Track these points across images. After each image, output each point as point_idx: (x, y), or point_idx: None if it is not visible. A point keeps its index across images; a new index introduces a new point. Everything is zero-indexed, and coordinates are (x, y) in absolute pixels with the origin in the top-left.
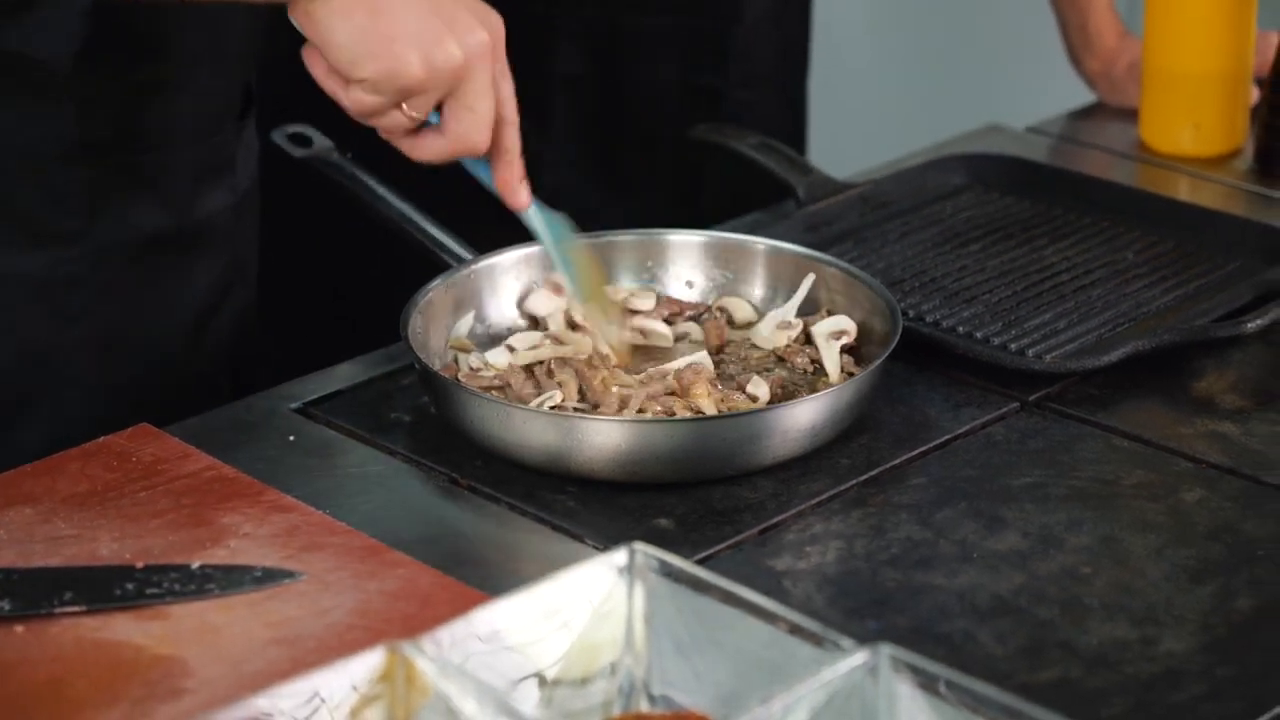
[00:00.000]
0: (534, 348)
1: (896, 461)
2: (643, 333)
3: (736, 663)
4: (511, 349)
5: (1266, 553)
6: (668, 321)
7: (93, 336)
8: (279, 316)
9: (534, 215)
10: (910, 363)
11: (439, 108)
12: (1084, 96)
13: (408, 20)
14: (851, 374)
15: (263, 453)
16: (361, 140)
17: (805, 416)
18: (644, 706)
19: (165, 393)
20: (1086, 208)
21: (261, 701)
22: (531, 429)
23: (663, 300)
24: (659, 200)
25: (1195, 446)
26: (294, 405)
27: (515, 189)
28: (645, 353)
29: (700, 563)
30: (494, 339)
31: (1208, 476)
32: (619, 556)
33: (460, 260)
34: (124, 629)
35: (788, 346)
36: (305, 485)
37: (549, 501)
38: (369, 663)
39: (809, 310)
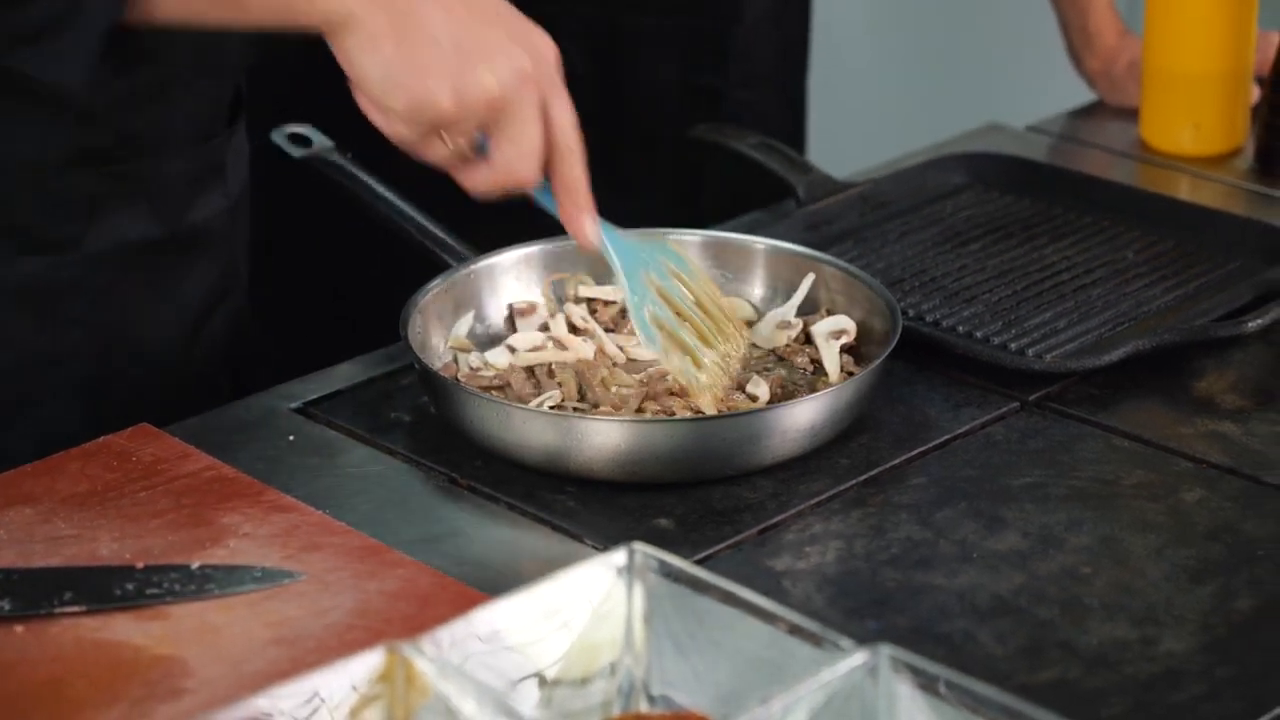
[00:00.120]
0: (535, 349)
1: (896, 461)
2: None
3: (736, 663)
4: (512, 349)
5: (1267, 553)
6: None
7: (88, 342)
8: (279, 316)
9: (605, 243)
10: (910, 362)
11: (489, 137)
12: (1084, 95)
13: (437, 49)
14: (851, 374)
15: (262, 452)
16: (361, 140)
17: (805, 416)
18: (643, 707)
19: (160, 396)
20: (1087, 207)
21: (261, 701)
22: (531, 429)
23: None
24: (659, 200)
25: (1195, 446)
26: (294, 405)
27: (577, 225)
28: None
29: (700, 563)
30: (494, 339)
31: (1208, 476)
32: (618, 556)
33: (460, 260)
34: (124, 629)
35: (787, 346)
36: (305, 485)
37: (549, 501)
38: (368, 663)
39: (809, 310)
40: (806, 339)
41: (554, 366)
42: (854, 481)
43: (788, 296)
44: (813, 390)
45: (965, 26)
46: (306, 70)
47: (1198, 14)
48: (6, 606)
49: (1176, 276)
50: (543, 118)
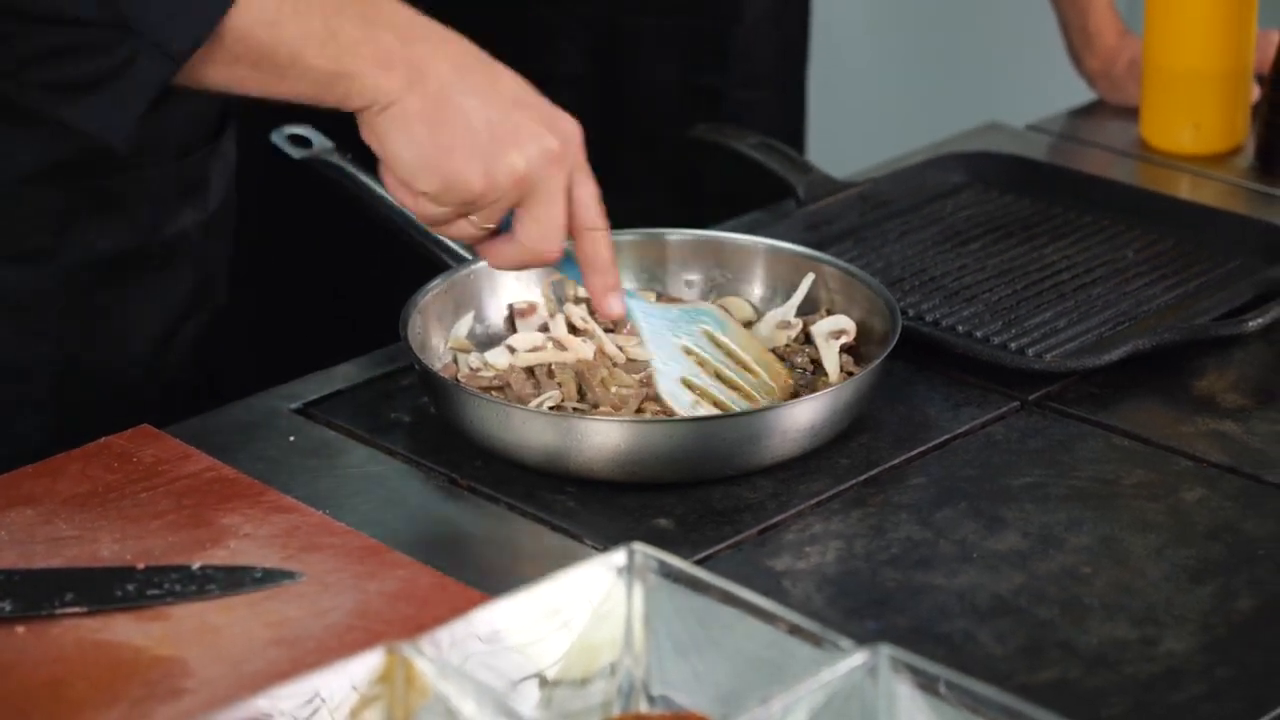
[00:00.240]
0: (535, 349)
1: (896, 461)
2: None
3: (736, 663)
4: (512, 349)
5: (1267, 552)
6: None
7: (60, 354)
8: (279, 316)
9: (636, 319)
10: (910, 362)
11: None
12: (1084, 95)
13: (468, 134)
14: (851, 373)
15: (263, 453)
16: (361, 142)
17: (805, 416)
18: (643, 707)
19: (128, 410)
20: (1087, 206)
21: (261, 702)
22: (531, 429)
23: (662, 300)
24: (659, 200)
25: (1196, 445)
26: (294, 406)
27: (603, 298)
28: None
29: (700, 563)
30: (493, 339)
31: (1208, 475)
32: (618, 557)
33: (460, 260)
34: (124, 630)
35: (787, 346)
36: (305, 486)
37: (548, 502)
38: (368, 663)
39: (808, 310)
40: (806, 339)
41: (554, 367)
42: (854, 481)
43: (787, 296)
44: (812, 390)
45: (965, 26)
46: None
47: (1198, 13)
48: (7, 607)
49: (1177, 275)
50: (567, 197)
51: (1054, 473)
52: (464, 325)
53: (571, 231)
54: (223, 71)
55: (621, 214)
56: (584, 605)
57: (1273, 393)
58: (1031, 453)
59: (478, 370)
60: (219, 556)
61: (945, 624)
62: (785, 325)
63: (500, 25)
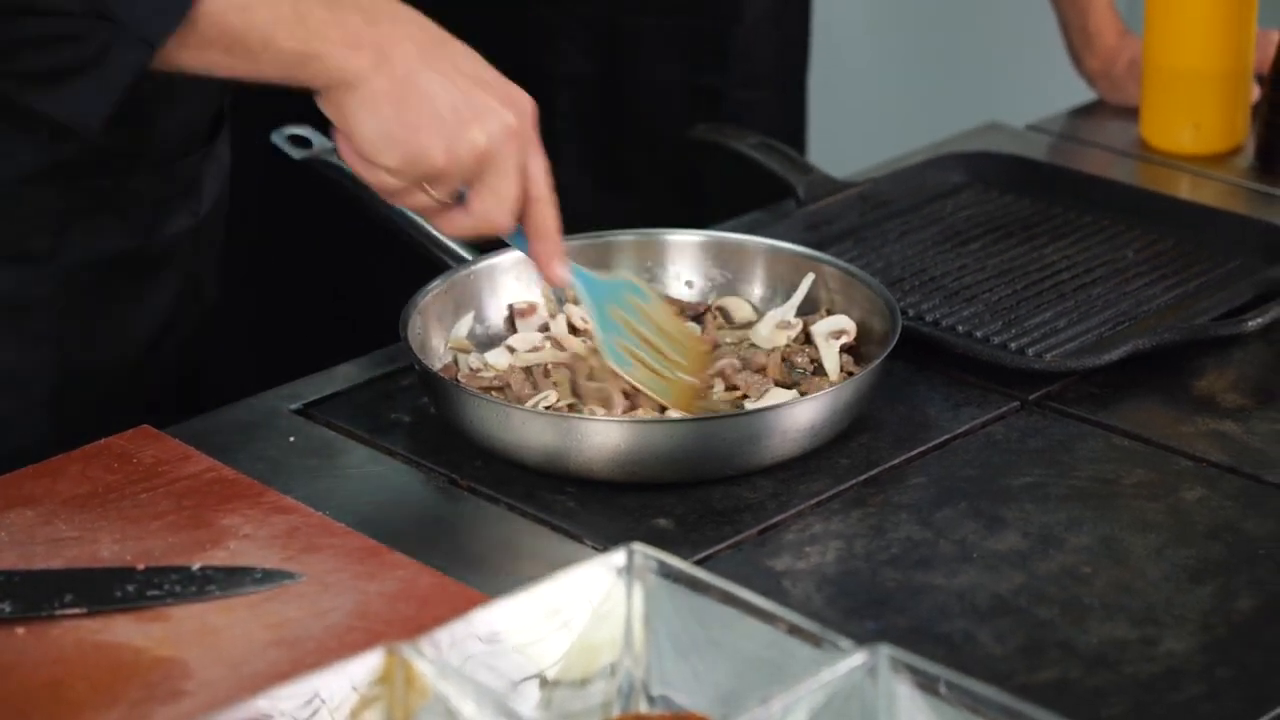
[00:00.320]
0: (534, 349)
1: (896, 461)
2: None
3: (735, 663)
4: (511, 349)
5: (1267, 552)
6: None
7: (54, 355)
8: (279, 317)
9: (577, 285)
10: (910, 362)
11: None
12: (1084, 95)
13: (433, 111)
14: (851, 373)
15: (263, 454)
16: None
17: (805, 416)
18: (643, 707)
19: (128, 409)
20: (1087, 206)
21: (261, 703)
22: (530, 429)
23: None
24: (661, 200)
25: (1196, 445)
26: (294, 406)
27: (549, 266)
28: None
29: (700, 563)
30: (493, 340)
31: (1208, 475)
32: (618, 557)
33: (460, 261)
34: (124, 630)
35: (787, 346)
36: (305, 486)
37: (548, 502)
38: (368, 664)
39: (808, 310)
40: (806, 339)
41: (549, 366)
42: (854, 481)
43: (788, 296)
44: (812, 390)
45: (965, 26)
46: None
47: (1198, 13)
48: (7, 608)
49: (1176, 275)
50: (521, 170)
51: (1054, 472)
52: (464, 325)
53: (521, 203)
54: (196, 56)
55: (622, 214)
56: (584, 606)
57: (1272, 392)
58: (1031, 452)
59: (478, 370)
60: (219, 557)
61: (945, 624)
62: (785, 325)
63: (500, 25)
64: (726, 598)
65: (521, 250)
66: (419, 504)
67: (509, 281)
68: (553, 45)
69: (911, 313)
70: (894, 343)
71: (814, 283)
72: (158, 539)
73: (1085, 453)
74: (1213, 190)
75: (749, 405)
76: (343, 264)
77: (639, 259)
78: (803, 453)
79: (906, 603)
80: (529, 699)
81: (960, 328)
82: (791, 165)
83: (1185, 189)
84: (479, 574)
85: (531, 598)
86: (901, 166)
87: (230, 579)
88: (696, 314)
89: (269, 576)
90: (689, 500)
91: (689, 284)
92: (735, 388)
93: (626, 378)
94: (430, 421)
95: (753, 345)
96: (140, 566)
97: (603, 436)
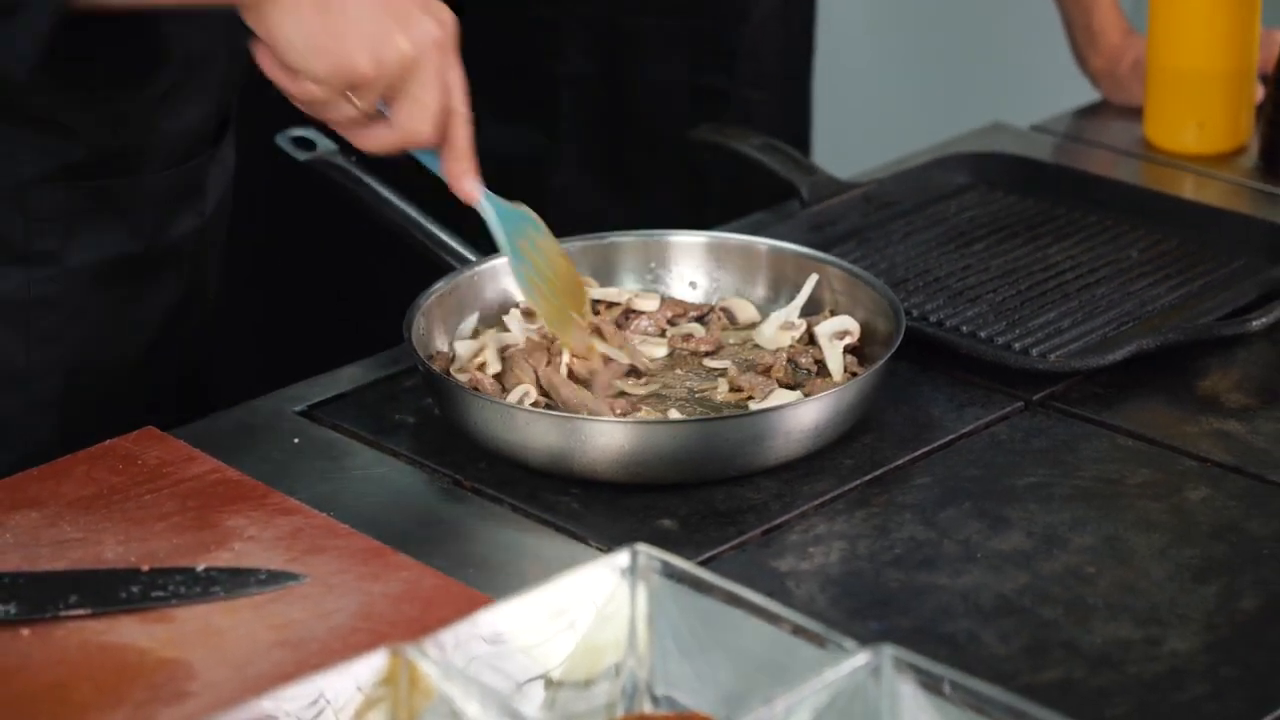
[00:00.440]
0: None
1: (900, 461)
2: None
3: (739, 663)
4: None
5: (1271, 552)
6: (671, 323)
7: (61, 358)
8: (283, 319)
9: (485, 207)
10: (914, 362)
11: (389, 99)
12: (1088, 95)
13: (357, 16)
14: (855, 374)
15: (267, 455)
16: None
17: (808, 417)
18: (647, 708)
19: (133, 410)
20: (1091, 206)
21: (266, 704)
22: (535, 430)
23: (665, 302)
24: (665, 200)
25: (1200, 445)
26: (298, 408)
27: (463, 181)
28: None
29: (704, 563)
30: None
31: (1212, 475)
32: (622, 558)
33: (463, 262)
34: (129, 632)
35: (791, 347)
36: (310, 488)
37: (552, 503)
38: (372, 665)
39: (812, 310)
40: (810, 340)
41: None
42: (858, 482)
43: (791, 297)
44: (816, 391)
45: (969, 26)
46: None
47: (1202, 13)
48: (12, 610)
49: (1181, 275)
50: (443, 81)
51: (1058, 473)
52: (467, 327)
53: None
54: None
55: (625, 215)
56: (588, 606)
57: (1276, 392)
58: (1035, 453)
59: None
60: (223, 559)
61: (949, 624)
62: (789, 326)
63: (501, 25)
64: (730, 598)
65: (432, 169)
66: (423, 505)
67: (512, 282)
68: (554, 46)
69: (915, 313)
70: (898, 343)
71: (818, 283)
72: (162, 540)
73: (1089, 453)
74: (1217, 190)
75: (753, 406)
76: (346, 266)
77: (642, 260)
78: (806, 453)
79: (910, 603)
80: (534, 700)
81: (964, 328)
82: (795, 166)
83: (1189, 189)
84: (483, 575)
85: (535, 599)
86: (906, 167)
87: (235, 580)
88: (700, 315)
89: (273, 578)
90: (693, 501)
91: (693, 285)
92: (740, 389)
93: (528, 302)
94: (434, 423)
95: (756, 346)
96: (145, 568)
97: (607, 437)
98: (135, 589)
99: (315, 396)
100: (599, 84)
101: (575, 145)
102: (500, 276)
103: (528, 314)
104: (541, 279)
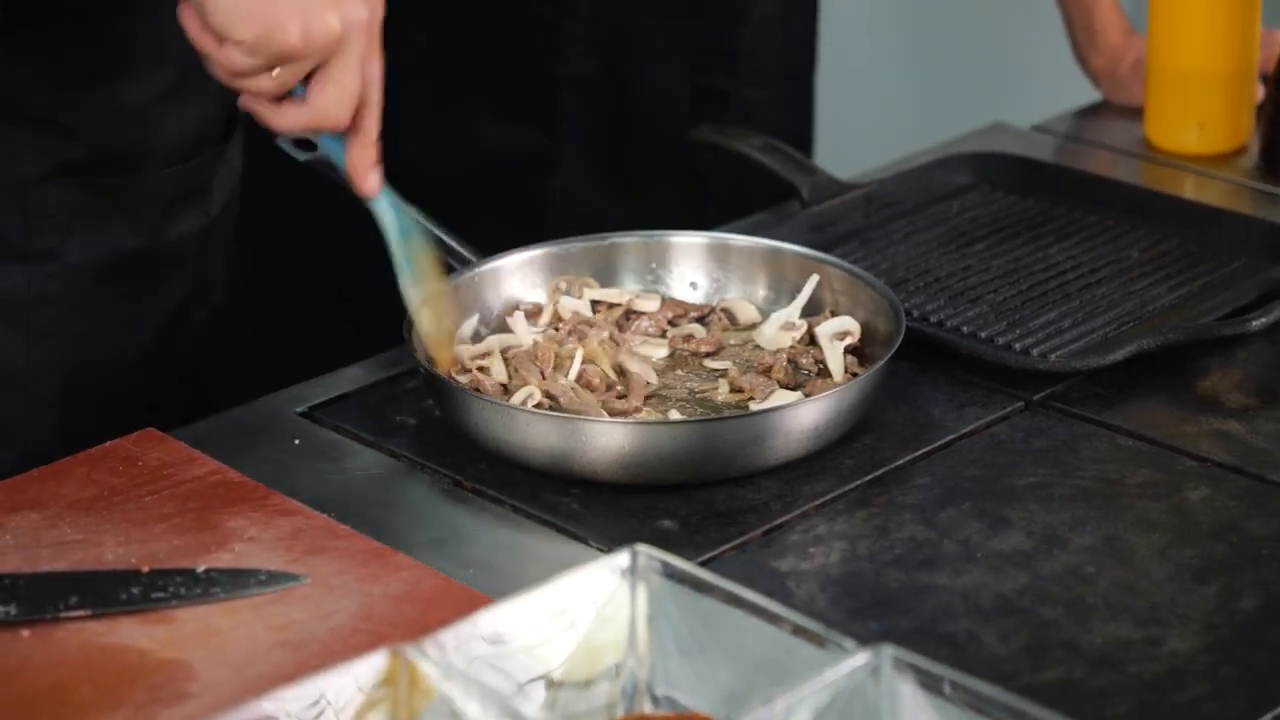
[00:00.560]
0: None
1: (900, 462)
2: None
3: (739, 664)
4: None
5: (1271, 552)
6: (672, 324)
7: (60, 355)
8: (284, 320)
9: (382, 206)
10: (915, 363)
11: (306, 80)
12: (1089, 95)
13: None
14: (855, 374)
15: (268, 456)
16: None
17: (809, 417)
18: (647, 708)
19: (134, 410)
20: (1091, 206)
21: (266, 705)
22: (535, 431)
23: (666, 302)
24: (666, 201)
25: (1200, 445)
26: (299, 409)
27: (366, 174)
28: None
29: (704, 564)
30: None
31: (1212, 475)
32: (622, 558)
33: (464, 263)
34: (129, 633)
35: (792, 347)
36: (310, 489)
37: (553, 504)
38: (372, 666)
39: (813, 311)
40: (811, 340)
41: (514, 358)
42: (858, 482)
43: (792, 298)
44: (817, 391)
45: (970, 26)
46: None
47: (1202, 12)
48: (13, 611)
49: (1181, 275)
50: (363, 67)
51: (1058, 473)
52: (468, 327)
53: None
54: None
55: (626, 215)
56: (588, 607)
57: (1276, 392)
58: (1036, 453)
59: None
60: (224, 560)
61: (949, 624)
62: (790, 327)
63: (501, 25)
64: (730, 599)
65: (336, 158)
66: (423, 506)
67: (513, 283)
68: (554, 46)
69: (916, 313)
70: (898, 343)
71: (818, 284)
72: (162, 541)
73: (1089, 453)
74: (1217, 190)
75: (754, 407)
76: (347, 266)
77: (642, 261)
78: (807, 454)
79: (910, 603)
80: (534, 700)
81: (965, 328)
82: (796, 166)
83: (1190, 189)
84: (483, 576)
85: (536, 599)
86: (906, 167)
87: (235, 581)
88: (701, 316)
89: (274, 579)
90: (693, 501)
91: (693, 285)
92: (740, 389)
93: (410, 312)
94: (435, 424)
95: (757, 347)
96: (145, 569)
97: (607, 438)
98: (135, 590)
99: (316, 397)
100: (599, 84)
101: (576, 145)
102: (501, 278)
103: (531, 316)
104: (421, 295)
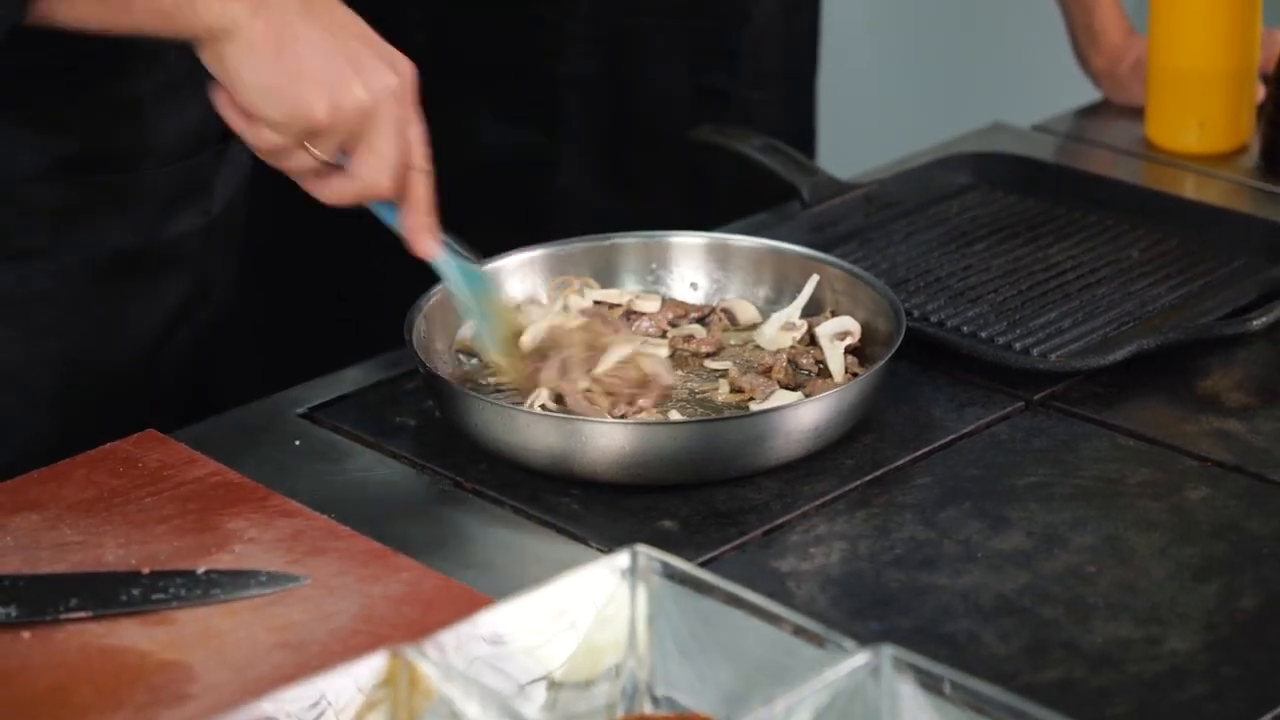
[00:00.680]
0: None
1: (901, 462)
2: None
3: (739, 664)
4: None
5: (1271, 550)
6: (672, 324)
7: (58, 353)
8: (284, 320)
9: (444, 265)
10: (915, 363)
11: (347, 150)
12: (1090, 94)
13: (314, 61)
14: (856, 375)
15: (268, 457)
16: None
17: (809, 417)
18: (647, 708)
19: (131, 409)
20: (1092, 206)
21: (266, 706)
22: (535, 432)
23: (667, 303)
24: (668, 200)
25: (1200, 444)
26: (299, 410)
27: (420, 237)
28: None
29: (704, 564)
30: None
31: (1213, 474)
32: (622, 559)
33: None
34: (129, 635)
35: (792, 348)
36: (310, 490)
37: (553, 504)
38: (372, 667)
39: (813, 311)
40: (811, 340)
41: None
42: (858, 482)
43: (792, 298)
44: (817, 391)
45: (970, 26)
46: None
47: (1202, 12)
48: (13, 613)
49: (1181, 275)
50: (402, 133)
51: (1058, 472)
52: (468, 329)
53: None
54: (68, 9)
55: (627, 215)
56: (588, 608)
57: (1277, 391)
58: (1036, 452)
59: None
60: (224, 561)
61: (949, 624)
62: (790, 327)
63: (501, 25)
64: (731, 599)
65: (390, 224)
66: (424, 507)
67: (513, 284)
68: (554, 46)
69: (916, 313)
70: (898, 343)
71: (819, 284)
72: (163, 543)
73: (1089, 452)
74: (1217, 190)
75: (754, 407)
76: (347, 267)
77: (643, 261)
78: (807, 454)
79: (911, 603)
80: (534, 701)
81: (965, 328)
82: (796, 167)
83: (1190, 189)
84: (483, 576)
85: (536, 600)
86: (907, 167)
87: (235, 582)
88: (701, 316)
89: (274, 580)
90: (693, 502)
91: (694, 286)
92: (741, 390)
93: (488, 359)
94: (435, 425)
95: (757, 347)
96: (145, 570)
97: (607, 439)
98: (136, 591)
99: (316, 398)
100: (600, 84)
101: (576, 146)
102: (501, 279)
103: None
104: (500, 337)
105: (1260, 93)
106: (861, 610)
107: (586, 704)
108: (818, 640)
